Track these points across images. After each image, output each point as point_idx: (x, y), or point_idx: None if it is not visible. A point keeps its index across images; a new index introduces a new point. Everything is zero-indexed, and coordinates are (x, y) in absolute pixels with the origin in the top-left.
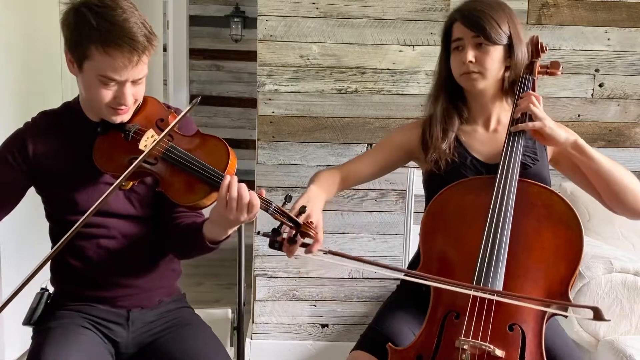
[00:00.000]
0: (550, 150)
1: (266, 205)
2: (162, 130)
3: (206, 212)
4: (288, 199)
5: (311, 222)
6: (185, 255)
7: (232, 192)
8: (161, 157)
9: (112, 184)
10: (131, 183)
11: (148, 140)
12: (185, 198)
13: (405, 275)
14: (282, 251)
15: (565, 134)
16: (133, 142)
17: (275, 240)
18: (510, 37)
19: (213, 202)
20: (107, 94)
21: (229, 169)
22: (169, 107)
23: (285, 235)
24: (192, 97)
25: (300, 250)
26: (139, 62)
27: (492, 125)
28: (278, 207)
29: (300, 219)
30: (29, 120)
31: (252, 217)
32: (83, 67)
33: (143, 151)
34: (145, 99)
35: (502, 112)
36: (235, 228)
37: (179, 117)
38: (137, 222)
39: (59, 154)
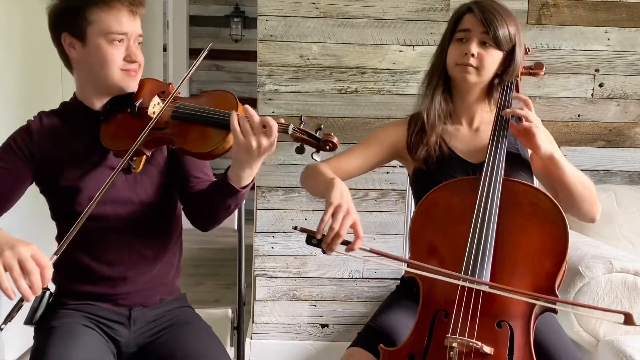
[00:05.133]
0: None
1: (284, 127)
2: (165, 99)
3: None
4: (304, 119)
5: (331, 134)
6: (213, 215)
7: (240, 116)
8: (171, 117)
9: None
10: (142, 162)
11: (155, 107)
12: (203, 146)
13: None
14: (320, 247)
15: (545, 146)
16: (140, 113)
17: (313, 237)
18: (513, 48)
19: (231, 146)
20: (118, 55)
21: (240, 111)
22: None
23: (320, 237)
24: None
25: (340, 248)
26: (136, 15)
27: (475, 124)
28: (297, 127)
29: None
30: (31, 118)
31: (272, 142)
32: (87, 36)
33: (152, 118)
34: (142, 80)
35: (484, 114)
36: (259, 163)
37: (193, 65)
38: (145, 210)
39: (65, 145)
